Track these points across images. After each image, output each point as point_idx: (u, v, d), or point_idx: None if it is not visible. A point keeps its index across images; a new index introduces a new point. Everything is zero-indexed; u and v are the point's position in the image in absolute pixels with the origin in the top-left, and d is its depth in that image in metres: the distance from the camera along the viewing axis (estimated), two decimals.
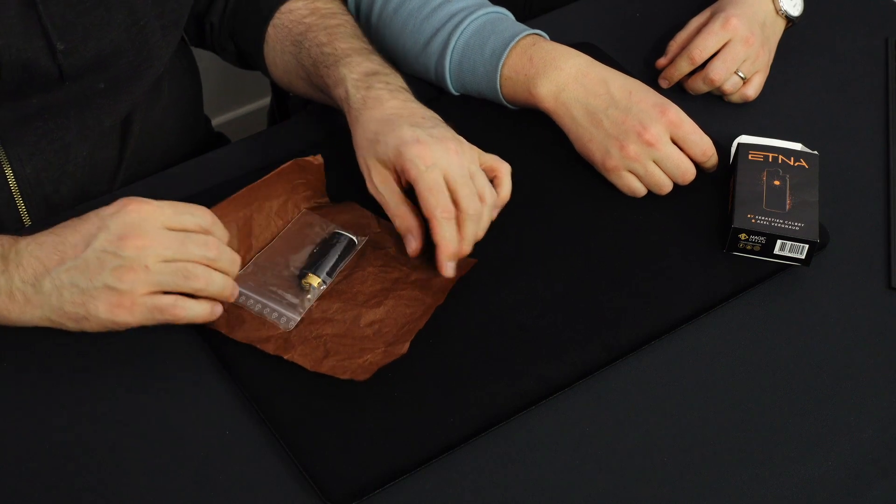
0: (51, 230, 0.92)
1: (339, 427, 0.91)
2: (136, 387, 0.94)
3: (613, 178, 1.10)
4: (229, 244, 0.95)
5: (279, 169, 1.05)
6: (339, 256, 1.01)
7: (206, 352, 0.96)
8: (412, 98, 1.05)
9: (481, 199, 0.99)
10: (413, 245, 0.99)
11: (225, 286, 0.93)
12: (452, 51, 1.14)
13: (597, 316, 1.00)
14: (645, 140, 1.06)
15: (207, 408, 0.93)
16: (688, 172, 1.09)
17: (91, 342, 0.96)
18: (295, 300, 0.98)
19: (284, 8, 1.16)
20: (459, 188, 0.97)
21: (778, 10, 1.22)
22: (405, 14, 1.18)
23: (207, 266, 0.91)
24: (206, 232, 0.92)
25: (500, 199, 1.02)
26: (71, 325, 0.91)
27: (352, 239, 1.02)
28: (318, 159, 1.07)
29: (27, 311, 0.90)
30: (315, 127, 1.17)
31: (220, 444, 0.91)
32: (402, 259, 1.02)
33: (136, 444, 0.90)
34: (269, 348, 0.94)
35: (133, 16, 1.05)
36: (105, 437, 0.91)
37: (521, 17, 1.20)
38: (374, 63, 1.08)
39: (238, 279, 0.98)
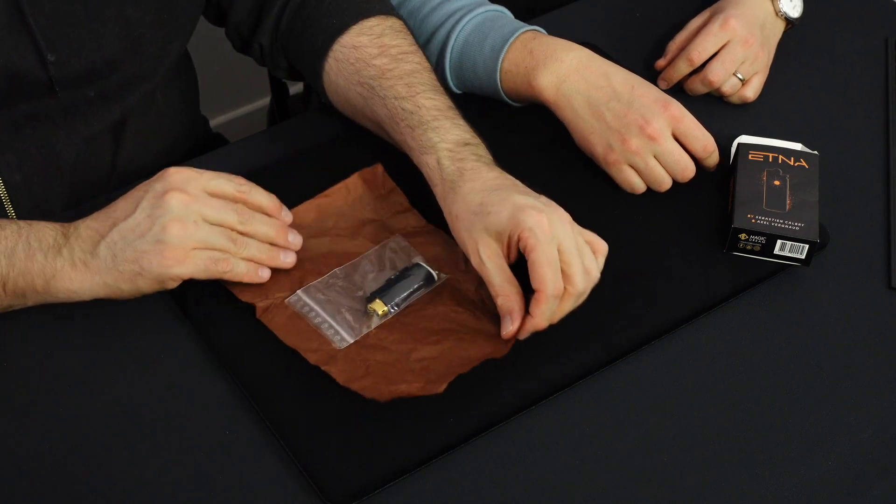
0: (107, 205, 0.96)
1: (339, 427, 0.91)
2: (135, 387, 0.94)
3: (613, 172, 1.10)
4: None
5: (343, 184, 1.07)
6: (414, 289, 0.99)
7: (206, 352, 0.96)
8: (504, 171, 1.00)
9: (588, 274, 0.94)
10: (510, 329, 0.93)
11: (259, 251, 0.97)
12: (452, 48, 1.15)
13: (597, 316, 0.99)
14: (647, 134, 1.07)
15: (207, 408, 0.93)
16: (687, 169, 1.09)
17: (91, 342, 0.96)
18: (355, 323, 0.97)
19: (347, 41, 1.09)
20: (572, 262, 0.92)
21: (777, 12, 1.22)
22: (405, 13, 1.18)
23: (244, 234, 0.97)
24: (241, 198, 0.97)
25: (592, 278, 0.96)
26: (126, 288, 0.94)
27: (431, 273, 1.00)
28: (378, 168, 1.08)
29: (87, 277, 0.93)
30: (315, 127, 1.17)
31: (220, 444, 0.91)
32: (478, 304, 0.99)
33: (135, 444, 0.90)
34: (312, 358, 0.94)
35: (127, 28, 1.05)
36: (104, 437, 0.91)
37: (522, 18, 1.20)
38: (463, 130, 1.02)
39: (307, 290, 0.99)
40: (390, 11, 1.13)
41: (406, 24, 1.13)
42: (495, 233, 0.94)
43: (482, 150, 1.01)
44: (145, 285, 0.94)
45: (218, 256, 0.95)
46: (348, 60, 1.09)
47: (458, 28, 1.14)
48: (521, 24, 1.15)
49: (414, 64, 1.07)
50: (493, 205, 0.94)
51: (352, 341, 0.96)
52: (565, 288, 0.92)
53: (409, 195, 1.07)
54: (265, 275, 0.98)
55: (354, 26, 1.10)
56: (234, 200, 0.97)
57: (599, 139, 1.09)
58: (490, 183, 0.97)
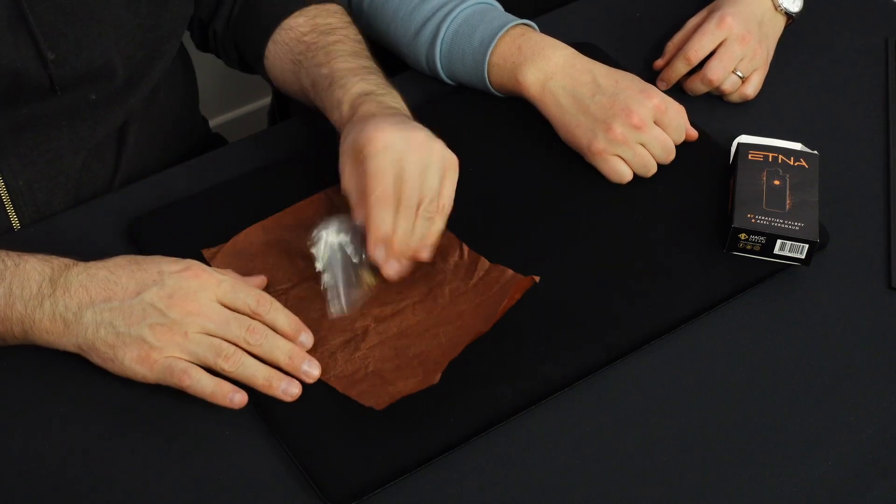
0: (105, 264, 0.92)
1: (339, 427, 0.91)
2: (135, 387, 0.93)
3: (598, 162, 1.10)
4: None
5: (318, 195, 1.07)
6: None
7: None
8: (402, 113, 1.03)
9: (427, 190, 0.95)
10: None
11: (256, 372, 0.91)
12: (442, 40, 1.16)
13: (597, 316, 1.00)
14: (632, 123, 1.08)
15: (207, 408, 0.92)
16: (672, 153, 1.11)
17: None
18: (347, 292, 0.96)
19: (286, 24, 1.15)
20: (406, 179, 0.94)
21: (777, 7, 1.22)
22: (396, 2, 1.19)
23: (243, 349, 0.91)
24: (256, 314, 0.92)
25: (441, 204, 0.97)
26: (96, 360, 0.91)
27: None
28: None
29: (64, 336, 0.90)
30: (316, 127, 1.17)
31: (220, 444, 0.91)
32: (479, 289, 1.00)
33: (135, 444, 0.90)
34: None
35: (122, 29, 1.05)
36: (104, 437, 0.91)
37: (526, 17, 1.21)
38: (370, 83, 1.06)
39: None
40: (330, 0, 1.18)
41: (345, 9, 1.19)
42: (353, 153, 0.96)
43: (388, 99, 1.04)
44: (112, 370, 0.90)
45: (178, 368, 0.89)
46: (283, 41, 1.15)
47: (448, 19, 1.16)
48: (511, 17, 1.16)
49: (339, 36, 1.13)
50: (354, 131, 0.97)
51: (343, 311, 0.96)
52: (398, 203, 0.94)
53: None
54: (237, 401, 0.90)
55: (296, 12, 1.15)
56: (251, 316, 0.92)
57: (585, 131, 1.10)
58: (373, 116, 0.99)
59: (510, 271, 1.00)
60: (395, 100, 1.05)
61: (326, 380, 0.93)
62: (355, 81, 1.06)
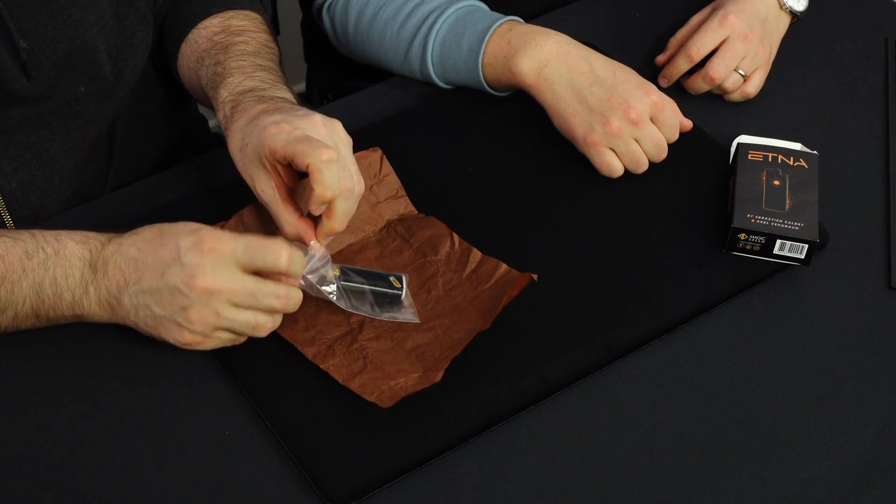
0: (135, 240, 0.91)
1: (339, 427, 0.91)
2: (135, 387, 0.94)
3: (592, 154, 1.11)
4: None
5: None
6: (372, 289, 0.97)
7: (206, 352, 0.95)
8: (287, 101, 1.01)
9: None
10: (309, 241, 0.95)
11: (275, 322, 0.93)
12: (431, 54, 1.17)
13: (597, 316, 1.00)
14: (630, 118, 1.08)
15: (207, 408, 0.93)
16: (664, 151, 1.12)
17: (91, 342, 0.96)
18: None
19: (201, 25, 1.14)
20: (345, 197, 0.94)
21: (782, 5, 1.22)
22: (381, 25, 1.20)
23: (273, 312, 0.92)
24: (279, 272, 0.91)
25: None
26: (153, 335, 0.93)
27: (398, 294, 0.97)
28: (376, 151, 1.06)
29: (112, 318, 0.93)
30: None
31: (220, 444, 0.91)
32: (473, 282, 1.00)
33: (135, 444, 0.90)
34: (310, 353, 0.94)
35: (102, 18, 1.05)
36: (105, 437, 0.91)
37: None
38: (255, 80, 1.03)
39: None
40: (254, 7, 1.16)
41: (264, 18, 1.16)
42: (258, 161, 0.94)
43: (273, 92, 1.02)
44: (167, 340, 0.92)
45: (227, 339, 0.92)
46: (194, 39, 1.13)
47: (433, 32, 1.16)
48: (495, 16, 1.16)
49: (247, 37, 1.11)
50: (248, 135, 0.95)
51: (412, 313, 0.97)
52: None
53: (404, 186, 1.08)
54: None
55: (214, 13, 1.14)
56: (276, 271, 0.91)
57: (581, 121, 1.10)
58: (250, 115, 0.97)
59: (504, 266, 1.01)
60: (280, 91, 1.03)
61: (326, 369, 0.93)
62: (241, 80, 1.03)
